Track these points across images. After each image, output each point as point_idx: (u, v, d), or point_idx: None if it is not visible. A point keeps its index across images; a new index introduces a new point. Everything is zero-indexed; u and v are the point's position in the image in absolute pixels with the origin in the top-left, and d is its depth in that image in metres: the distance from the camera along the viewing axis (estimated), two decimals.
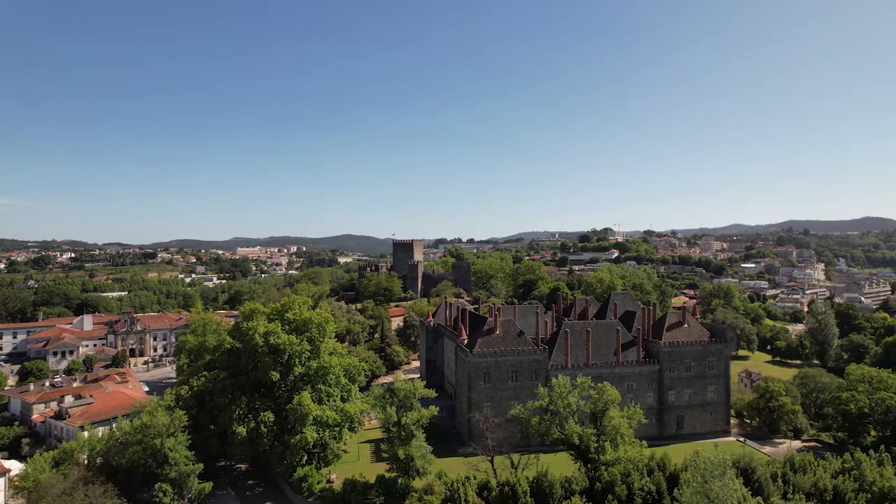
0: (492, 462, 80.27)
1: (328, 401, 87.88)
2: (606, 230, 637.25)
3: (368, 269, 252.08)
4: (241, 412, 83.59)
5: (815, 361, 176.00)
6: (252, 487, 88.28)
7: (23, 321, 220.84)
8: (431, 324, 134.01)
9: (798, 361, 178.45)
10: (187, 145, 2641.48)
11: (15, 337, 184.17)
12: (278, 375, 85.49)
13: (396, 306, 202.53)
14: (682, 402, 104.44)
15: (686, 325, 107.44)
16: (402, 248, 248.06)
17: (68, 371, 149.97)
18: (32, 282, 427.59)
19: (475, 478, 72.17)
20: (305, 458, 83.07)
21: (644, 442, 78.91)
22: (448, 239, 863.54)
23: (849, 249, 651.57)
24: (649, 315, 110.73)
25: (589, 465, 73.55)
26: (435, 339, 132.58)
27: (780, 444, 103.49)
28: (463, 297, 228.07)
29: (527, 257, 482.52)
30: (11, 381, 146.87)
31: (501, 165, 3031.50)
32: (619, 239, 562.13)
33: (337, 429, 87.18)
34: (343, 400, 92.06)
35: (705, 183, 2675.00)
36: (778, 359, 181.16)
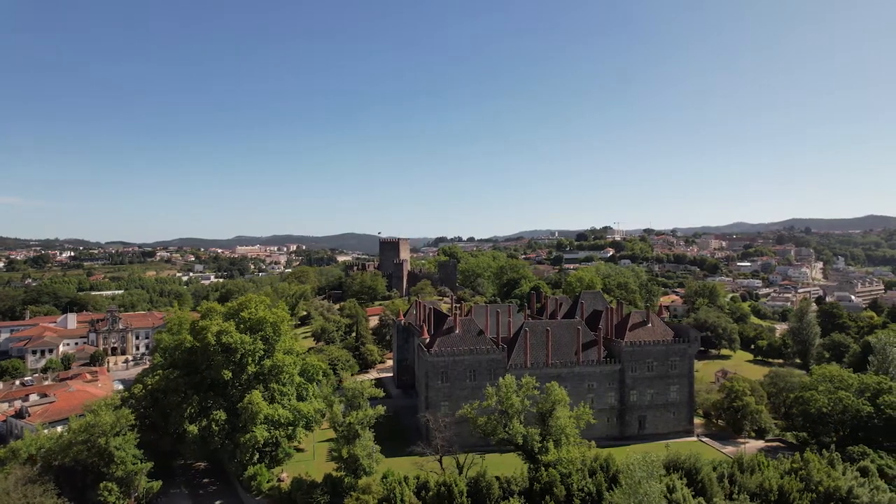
0: (440, 461, 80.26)
1: (282, 400, 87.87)
2: (606, 229, 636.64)
3: (355, 267, 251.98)
4: (192, 411, 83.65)
5: (797, 360, 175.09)
6: (206, 486, 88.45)
7: (12, 319, 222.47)
8: (402, 322, 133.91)
9: (780, 361, 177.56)
10: (192, 144, 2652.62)
11: None
12: (230, 374, 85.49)
13: (380, 305, 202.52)
14: (644, 402, 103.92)
15: (650, 325, 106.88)
16: (389, 247, 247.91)
17: (45, 369, 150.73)
18: (30, 280, 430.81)
19: (418, 478, 72.14)
20: (257, 456, 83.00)
21: (593, 442, 78.48)
22: (449, 237, 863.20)
23: (849, 248, 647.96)
24: (612, 314, 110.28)
25: (532, 466, 73.38)
26: (406, 337, 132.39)
27: (744, 444, 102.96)
28: (448, 296, 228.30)
29: (522, 256, 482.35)
30: None
31: (504, 164, 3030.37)
32: (617, 238, 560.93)
33: (290, 428, 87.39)
34: (300, 399, 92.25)
35: (708, 182, 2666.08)
36: (759, 358, 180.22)
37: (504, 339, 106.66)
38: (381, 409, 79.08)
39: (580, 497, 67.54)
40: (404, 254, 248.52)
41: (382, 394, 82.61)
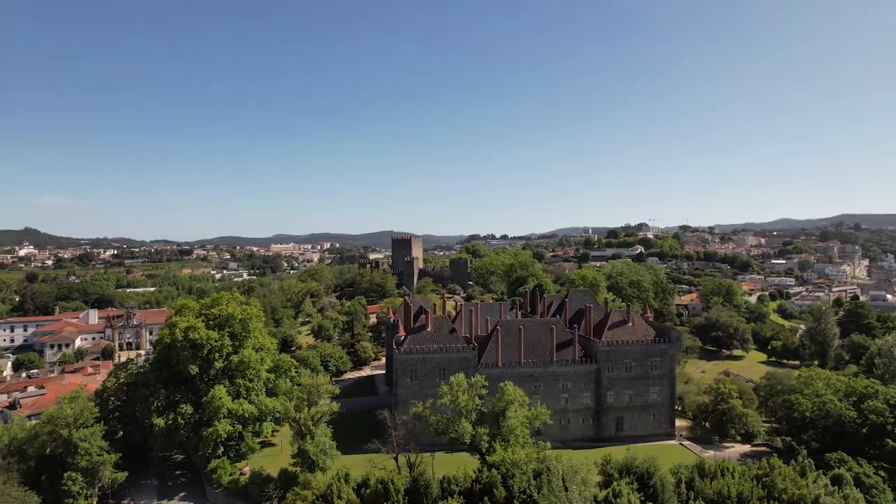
0: (395, 459, 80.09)
1: (248, 395, 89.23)
2: (640, 226, 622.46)
3: (368, 265, 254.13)
4: (160, 404, 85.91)
5: (815, 362, 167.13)
6: (177, 478, 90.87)
7: (44, 314, 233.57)
8: (392, 320, 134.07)
9: (796, 362, 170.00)
10: (236, 145, 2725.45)
11: (26, 330, 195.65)
12: (197, 369, 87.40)
13: (384, 303, 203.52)
14: (621, 404, 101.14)
15: (630, 324, 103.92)
16: (401, 245, 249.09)
17: (58, 363, 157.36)
18: (73, 277, 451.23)
19: (372, 475, 71.88)
20: (221, 450, 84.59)
21: (547, 443, 76.61)
22: (482, 235, 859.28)
23: None
24: (592, 313, 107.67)
25: (480, 466, 72.40)
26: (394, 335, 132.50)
27: (729, 448, 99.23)
28: (458, 294, 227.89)
29: (550, 254, 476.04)
30: (7, 371, 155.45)
31: (542, 161, 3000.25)
32: (650, 235, 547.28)
33: (257, 423, 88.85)
34: (270, 394, 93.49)
35: (751, 177, 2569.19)
36: (773, 359, 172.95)
37: (482, 338, 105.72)
38: (335, 405, 79.51)
39: (521, 499, 66.14)
40: (416, 251, 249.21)
41: (338, 391, 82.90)
